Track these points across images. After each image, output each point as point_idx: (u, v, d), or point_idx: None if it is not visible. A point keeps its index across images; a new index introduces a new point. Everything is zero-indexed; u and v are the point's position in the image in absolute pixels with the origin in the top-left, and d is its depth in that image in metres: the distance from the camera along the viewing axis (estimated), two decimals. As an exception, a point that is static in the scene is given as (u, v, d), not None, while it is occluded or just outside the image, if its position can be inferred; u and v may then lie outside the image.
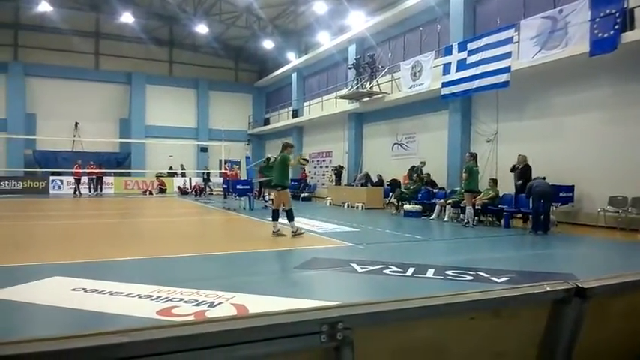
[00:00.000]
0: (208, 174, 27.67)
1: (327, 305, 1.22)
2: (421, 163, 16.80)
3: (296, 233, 9.67)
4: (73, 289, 5.09)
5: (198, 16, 26.77)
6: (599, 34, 10.93)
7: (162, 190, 27.60)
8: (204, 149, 31.99)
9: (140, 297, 4.81)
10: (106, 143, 30.03)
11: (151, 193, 27.18)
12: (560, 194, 11.82)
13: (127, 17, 27.06)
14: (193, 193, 26.42)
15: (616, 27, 10.66)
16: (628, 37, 10.61)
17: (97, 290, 5.06)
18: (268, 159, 18.01)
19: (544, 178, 11.22)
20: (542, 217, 10.76)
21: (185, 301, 4.65)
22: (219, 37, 30.75)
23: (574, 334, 1.58)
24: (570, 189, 12.08)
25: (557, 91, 13.25)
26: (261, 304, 4.67)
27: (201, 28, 27.88)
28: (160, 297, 4.78)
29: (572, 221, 12.40)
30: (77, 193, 24.35)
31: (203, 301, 4.65)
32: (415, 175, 16.43)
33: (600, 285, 1.60)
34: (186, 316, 4.26)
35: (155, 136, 30.82)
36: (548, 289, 1.53)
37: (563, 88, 13.05)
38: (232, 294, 4.88)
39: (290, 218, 9.77)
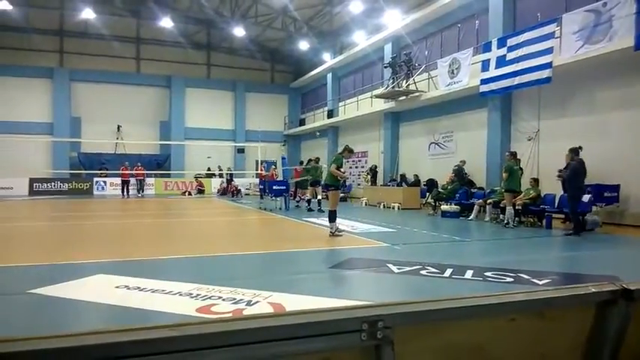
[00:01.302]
0: (231, 174, 28.00)
1: (367, 304, 1.23)
2: (461, 161, 16.57)
3: (334, 234, 9.70)
4: (117, 287, 5.26)
5: (235, 20, 27.17)
6: (646, 28, 10.51)
7: (200, 191, 28.11)
8: (241, 150, 32.42)
9: (180, 295, 4.92)
10: (147, 145, 30.91)
11: (190, 194, 27.74)
12: (605, 194, 11.41)
13: (166, 22, 27.77)
14: (230, 193, 26.83)
15: (663, 19, 10.24)
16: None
17: (139, 288, 5.21)
18: (309, 161, 18.14)
19: (580, 149, 10.73)
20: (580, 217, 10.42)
21: (223, 300, 4.73)
22: (256, 39, 31.15)
23: (620, 337, 1.54)
24: (615, 188, 11.64)
25: (601, 87, 12.78)
26: (297, 303, 4.71)
27: (238, 31, 28.33)
28: (199, 295, 4.88)
29: (618, 222, 11.94)
30: (125, 194, 25.07)
31: (241, 300, 4.72)
32: (453, 174, 16.20)
33: None
34: (224, 314, 4.32)
35: (194, 138, 31.51)
36: (593, 290, 1.49)
37: (609, 83, 12.58)
38: (269, 293, 4.93)
39: (332, 219, 9.79)
